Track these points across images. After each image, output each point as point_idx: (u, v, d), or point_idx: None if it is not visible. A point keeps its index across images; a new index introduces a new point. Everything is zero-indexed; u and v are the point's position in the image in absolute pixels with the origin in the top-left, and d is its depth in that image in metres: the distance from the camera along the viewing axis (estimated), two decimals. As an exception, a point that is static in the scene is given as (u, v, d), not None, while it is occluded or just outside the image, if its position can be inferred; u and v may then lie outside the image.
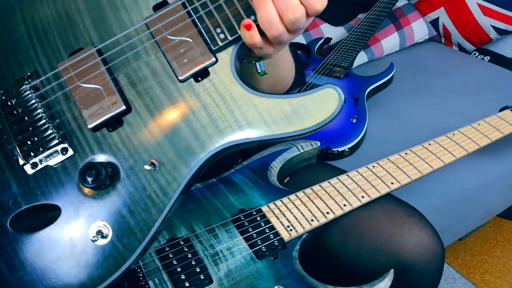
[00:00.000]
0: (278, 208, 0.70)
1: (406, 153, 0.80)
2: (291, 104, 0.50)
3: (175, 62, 0.51)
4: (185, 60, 0.51)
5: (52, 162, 0.51)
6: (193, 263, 0.62)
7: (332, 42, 1.50)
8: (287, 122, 0.50)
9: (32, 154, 0.51)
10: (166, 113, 0.51)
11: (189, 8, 0.51)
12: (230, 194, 0.73)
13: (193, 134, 0.51)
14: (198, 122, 0.51)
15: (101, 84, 0.51)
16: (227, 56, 0.52)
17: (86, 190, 0.50)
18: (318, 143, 0.82)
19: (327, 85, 0.51)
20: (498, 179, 1.12)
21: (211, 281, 0.60)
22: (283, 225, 0.68)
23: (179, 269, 0.61)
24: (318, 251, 0.72)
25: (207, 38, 0.51)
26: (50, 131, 0.51)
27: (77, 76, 0.52)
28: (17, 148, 0.52)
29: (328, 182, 0.75)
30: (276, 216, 0.69)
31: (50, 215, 0.50)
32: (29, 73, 0.53)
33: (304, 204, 0.71)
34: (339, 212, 0.70)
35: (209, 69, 0.51)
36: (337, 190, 0.73)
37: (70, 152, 0.51)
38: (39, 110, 0.52)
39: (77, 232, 0.49)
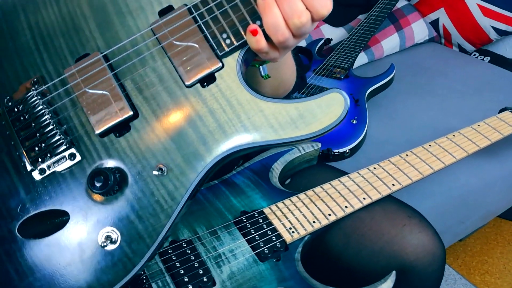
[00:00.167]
0: (280, 210, 0.70)
1: (406, 155, 0.80)
2: (297, 109, 0.51)
3: (182, 68, 0.51)
4: (192, 66, 0.51)
5: (60, 168, 0.51)
6: (196, 265, 0.62)
7: (333, 43, 1.50)
8: (294, 126, 0.51)
9: (39, 160, 0.51)
10: (173, 119, 0.51)
11: (195, 14, 0.51)
12: (232, 196, 0.73)
13: (200, 139, 0.51)
14: (205, 127, 0.51)
15: (108, 90, 0.51)
16: (233, 61, 0.52)
17: (95, 195, 0.50)
18: (319, 145, 0.82)
19: (333, 89, 0.51)
20: (498, 180, 1.12)
21: (214, 283, 0.61)
22: (285, 227, 0.68)
23: (182, 272, 0.61)
24: (320, 253, 0.73)
25: (213, 44, 0.51)
26: (57, 137, 0.52)
27: (84, 82, 0.52)
28: (25, 154, 0.52)
29: (330, 183, 0.75)
30: (278, 218, 0.69)
31: (59, 220, 0.50)
32: (35, 79, 0.54)
33: (305, 206, 0.71)
34: (340, 214, 0.70)
35: (216, 74, 0.52)
36: (339, 192, 0.73)
37: (78, 157, 0.51)
38: (47, 116, 0.52)
39: (86, 237, 0.50)
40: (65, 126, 0.52)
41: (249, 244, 0.65)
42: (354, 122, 1.14)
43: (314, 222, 0.69)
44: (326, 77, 1.29)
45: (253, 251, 0.64)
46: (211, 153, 0.51)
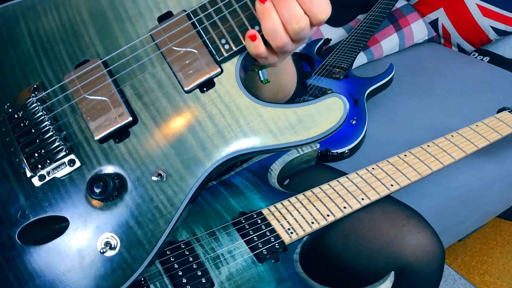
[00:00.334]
0: (279, 211, 0.70)
1: (405, 155, 0.81)
2: (296, 114, 0.51)
3: (181, 73, 0.51)
4: (191, 71, 0.51)
5: (60, 174, 0.52)
6: (194, 266, 0.62)
7: (332, 43, 1.50)
8: (293, 131, 0.51)
9: (39, 166, 0.52)
10: (172, 124, 0.51)
11: (194, 19, 0.51)
12: (231, 197, 0.73)
13: (199, 144, 0.51)
14: (204, 133, 0.51)
15: (107, 96, 0.52)
16: (232, 67, 0.52)
17: (94, 201, 0.50)
18: (318, 145, 0.82)
19: (332, 93, 0.51)
20: (497, 180, 1.12)
21: (212, 285, 0.61)
22: (283, 227, 0.68)
23: (180, 273, 0.61)
24: (319, 254, 0.73)
25: (212, 49, 0.51)
26: (57, 143, 0.52)
27: (83, 88, 0.52)
28: (25, 161, 0.52)
29: (328, 184, 0.75)
30: (276, 219, 0.69)
31: (58, 227, 0.50)
32: (35, 86, 0.54)
33: (304, 207, 0.71)
34: (339, 215, 0.70)
35: (215, 79, 0.52)
36: (337, 192, 0.74)
37: (78, 163, 0.52)
38: (46, 123, 0.52)
39: (86, 243, 0.50)
40: (64, 132, 0.53)
41: (247, 245, 0.65)
42: (353, 122, 1.14)
43: (312, 223, 0.69)
44: (325, 77, 1.29)
45: (252, 252, 0.64)
46: (211, 159, 0.51)
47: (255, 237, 0.66)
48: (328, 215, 0.70)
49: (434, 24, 1.60)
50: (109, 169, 0.51)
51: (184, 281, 0.60)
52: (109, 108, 0.51)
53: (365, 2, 1.58)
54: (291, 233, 0.67)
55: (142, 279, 0.60)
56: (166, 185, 0.51)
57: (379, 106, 1.28)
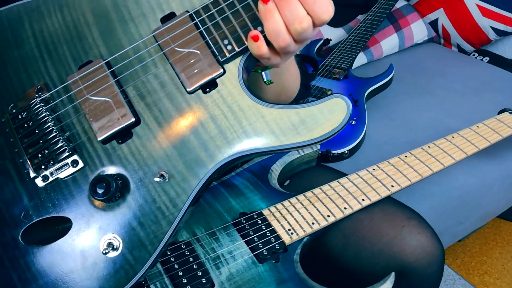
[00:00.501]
0: (279, 212, 0.71)
1: (406, 156, 0.81)
2: (298, 115, 0.51)
3: (183, 74, 0.51)
4: (193, 72, 0.51)
5: (63, 174, 0.52)
6: (194, 267, 0.62)
7: (332, 43, 1.50)
8: (295, 132, 0.51)
9: (43, 167, 0.52)
10: (174, 125, 0.51)
11: (197, 20, 0.52)
12: (231, 198, 0.73)
13: (202, 145, 0.51)
14: (207, 134, 0.51)
15: (110, 97, 0.52)
16: (234, 67, 0.52)
17: (97, 202, 0.50)
18: (318, 146, 0.83)
19: (335, 94, 0.51)
20: (496, 181, 1.12)
21: (213, 285, 0.61)
22: (284, 228, 0.68)
23: (180, 273, 0.61)
24: (319, 254, 0.73)
25: (215, 50, 0.51)
26: (60, 144, 0.52)
27: (86, 89, 0.52)
28: (28, 161, 0.52)
29: (329, 185, 0.75)
30: (277, 220, 0.69)
31: (62, 227, 0.50)
32: (39, 86, 0.54)
33: (305, 207, 0.71)
34: (340, 215, 0.71)
35: (217, 80, 0.52)
36: (338, 193, 0.74)
37: (81, 164, 0.52)
38: (50, 123, 0.52)
39: (88, 244, 0.50)
40: (68, 133, 0.53)
41: (248, 246, 0.65)
42: (353, 123, 1.14)
43: (313, 223, 0.69)
44: (325, 77, 1.29)
45: (252, 253, 0.65)
46: (213, 160, 0.51)
47: (255, 238, 0.66)
48: (328, 216, 0.70)
49: (434, 24, 1.61)
50: (112, 170, 0.51)
51: (185, 281, 0.60)
52: (112, 109, 0.51)
53: (365, 2, 1.58)
54: (292, 233, 0.68)
55: (143, 280, 0.60)
56: (168, 186, 0.51)
57: (379, 106, 1.29)
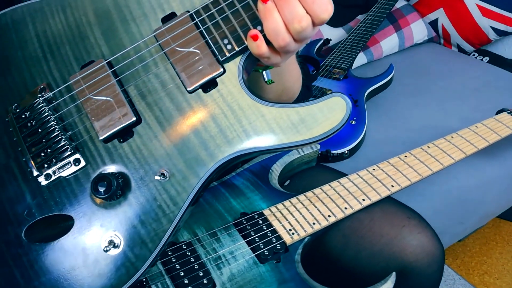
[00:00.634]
0: (280, 212, 0.71)
1: (405, 156, 0.81)
2: (298, 113, 0.51)
3: (184, 73, 0.52)
4: (193, 71, 0.52)
5: (65, 173, 0.52)
6: (196, 267, 0.62)
7: (331, 43, 1.50)
8: (295, 131, 0.51)
9: (45, 165, 0.52)
10: (175, 124, 0.52)
11: (197, 20, 0.52)
12: (232, 198, 0.73)
13: (202, 144, 0.51)
14: (207, 133, 0.51)
15: (112, 96, 0.52)
16: (234, 67, 0.52)
17: (98, 200, 0.51)
18: (318, 146, 0.83)
19: (335, 93, 0.51)
20: (496, 180, 1.12)
21: (214, 285, 0.61)
22: (285, 228, 0.68)
23: (182, 274, 0.61)
24: (320, 254, 0.73)
25: (215, 49, 0.52)
26: (63, 143, 0.52)
27: (88, 89, 0.53)
28: (31, 160, 0.53)
29: (329, 185, 0.75)
30: (278, 220, 0.69)
31: (64, 225, 0.51)
32: (42, 86, 0.54)
33: (305, 207, 0.71)
34: (340, 215, 0.71)
35: (217, 79, 0.52)
36: (338, 193, 0.74)
37: (83, 163, 0.52)
38: (52, 123, 0.53)
39: (90, 242, 0.50)
40: (70, 132, 0.53)
41: (249, 246, 0.65)
42: (353, 123, 1.15)
43: (313, 223, 0.69)
44: (325, 77, 1.30)
45: (253, 253, 0.65)
46: (213, 158, 0.51)
47: (256, 238, 0.66)
48: (329, 216, 0.70)
49: (434, 24, 1.61)
50: (113, 168, 0.52)
51: (186, 282, 0.60)
52: (113, 108, 0.52)
53: (365, 2, 1.58)
54: (293, 233, 0.68)
55: (144, 280, 0.60)
56: (169, 185, 0.51)
57: (379, 106, 1.29)
